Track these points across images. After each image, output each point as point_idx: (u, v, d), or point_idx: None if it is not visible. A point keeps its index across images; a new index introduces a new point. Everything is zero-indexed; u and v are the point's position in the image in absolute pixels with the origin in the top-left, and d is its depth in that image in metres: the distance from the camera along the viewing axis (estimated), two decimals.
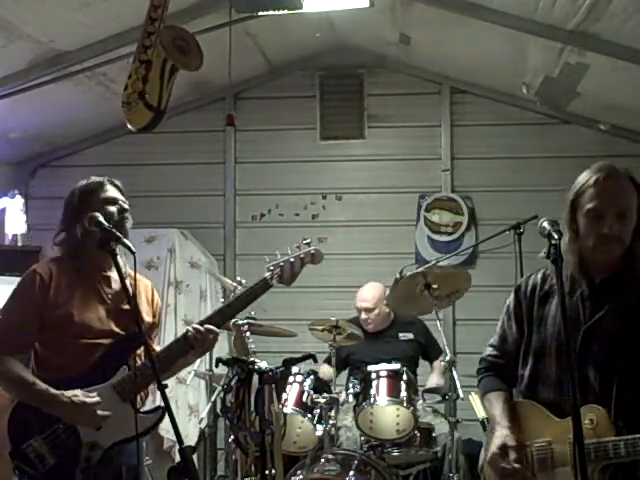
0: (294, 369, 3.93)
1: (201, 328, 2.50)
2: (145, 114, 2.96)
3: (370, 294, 4.71)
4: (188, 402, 5.24)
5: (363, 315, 4.69)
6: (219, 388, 3.82)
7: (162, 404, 2.50)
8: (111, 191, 2.62)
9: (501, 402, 2.28)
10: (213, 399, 4.00)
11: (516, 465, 2.08)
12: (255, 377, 3.15)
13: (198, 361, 4.40)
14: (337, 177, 5.83)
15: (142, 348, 2.55)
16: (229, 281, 4.61)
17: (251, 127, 5.84)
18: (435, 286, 4.16)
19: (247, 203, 5.88)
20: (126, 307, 2.55)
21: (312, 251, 2.71)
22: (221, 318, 2.58)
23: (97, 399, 2.37)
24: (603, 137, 5.44)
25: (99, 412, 2.37)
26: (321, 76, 5.83)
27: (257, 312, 4.26)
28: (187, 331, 2.50)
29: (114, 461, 2.45)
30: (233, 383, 3.23)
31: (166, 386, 2.08)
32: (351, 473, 3.45)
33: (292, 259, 2.66)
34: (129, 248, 2.26)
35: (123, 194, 2.67)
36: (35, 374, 2.47)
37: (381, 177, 5.78)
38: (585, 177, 2.16)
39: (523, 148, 5.50)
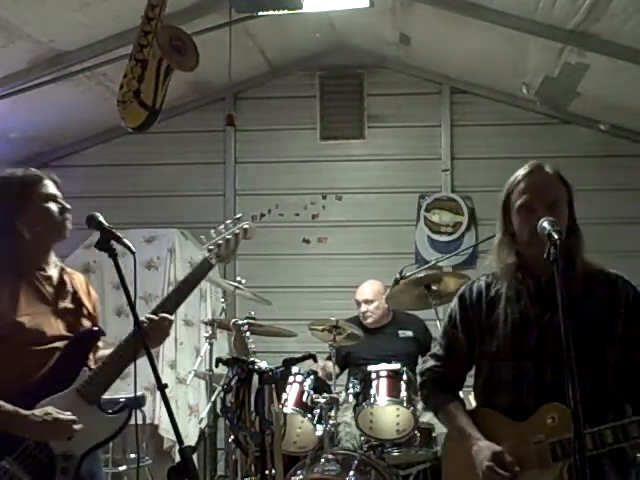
0: (294, 369, 3.93)
1: (155, 317, 2.42)
2: (140, 113, 2.95)
3: (369, 288, 4.75)
4: (188, 402, 5.24)
5: (363, 307, 4.70)
6: (219, 388, 3.81)
7: (130, 399, 2.48)
8: (51, 187, 2.46)
9: (462, 413, 2.26)
10: (213, 399, 3.99)
11: (517, 468, 2.06)
12: (255, 377, 3.15)
13: (198, 361, 4.42)
14: (337, 177, 5.83)
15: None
16: (227, 284, 4.61)
17: (251, 127, 5.84)
18: (435, 287, 4.17)
19: (247, 203, 5.88)
20: (69, 306, 2.47)
21: (245, 226, 2.68)
22: (171, 304, 2.51)
23: (73, 417, 2.26)
24: (603, 137, 5.43)
25: (74, 426, 2.27)
26: (321, 76, 5.83)
27: (257, 312, 4.28)
28: (142, 322, 2.38)
29: (83, 467, 2.36)
30: (233, 383, 3.23)
31: (166, 386, 2.06)
32: (351, 473, 3.44)
33: (228, 236, 2.65)
34: (129, 248, 2.24)
35: (62, 192, 2.51)
36: None
37: (381, 177, 5.78)
38: (513, 177, 2.20)
39: (523, 148, 5.49)
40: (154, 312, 2.45)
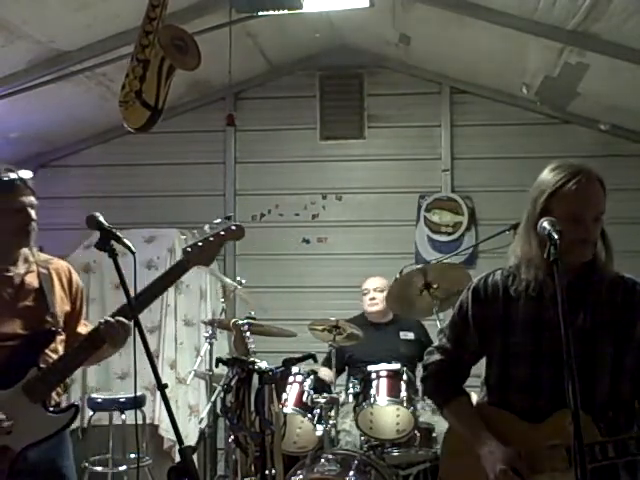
0: (294, 369, 3.93)
1: (112, 320, 2.39)
2: (142, 113, 2.95)
3: (378, 279, 4.79)
4: (188, 402, 5.24)
5: (371, 294, 4.72)
6: (219, 388, 3.82)
7: (75, 402, 2.50)
8: (18, 196, 2.44)
9: (470, 410, 2.24)
10: (213, 399, 4.00)
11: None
12: (255, 377, 3.15)
13: (198, 361, 4.42)
14: (337, 177, 5.83)
15: (56, 344, 2.49)
16: (229, 280, 4.61)
17: (251, 127, 5.84)
18: (435, 286, 4.17)
19: (247, 203, 5.88)
20: (30, 304, 2.48)
21: (232, 226, 2.51)
22: (134, 309, 2.44)
23: None
24: (603, 137, 5.44)
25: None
26: (321, 76, 5.83)
27: (257, 312, 4.28)
28: (99, 324, 2.41)
29: (31, 458, 2.39)
30: (233, 383, 3.24)
31: (166, 386, 2.06)
32: (351, 473, 3.44)
33: (211, 238, 2.47)
34: (129, 248, 2.24)
35: (34, 194, 2.48)
36: None
37: (381, 177, 5.78)
38: (559, 179, 2.07)
39: (523, 148, 5.50)
40: (113, 315, 2.41)
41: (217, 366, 3.68)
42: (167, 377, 5.02)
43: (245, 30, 4.76)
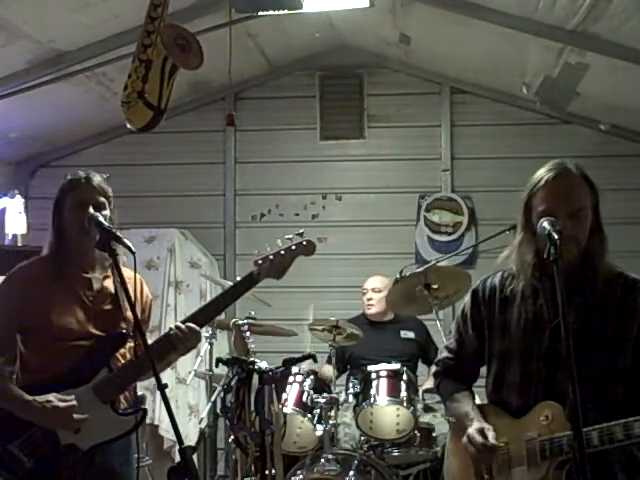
0: (294, 369, 3.93)
1: (183, 327, 2.44)
2: (145, 113, 2.96)
3: (379, 278, 4.81)
4: (188, 402, 5.24)
5: (369, 294, 4.74)
6: (219, 388, 3.82)
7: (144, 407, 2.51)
8: (87, 193, 2.49)
9: (470, 400, 2.30)
10: (213, 399, 4.00)
11: (495, 442, 2.07)
12: (255, 377, 3.15)
13: (198, 361, 4.43)
14: (337, 177, 5.83)
15: (124, 348, 2.51)
16: (228, 283, 4.61)
17: (251, 127, 5.84)
18: (435, 286, 4.16)
19: (247, 203, 5.88)
20: (108, 307, 2.51)
21: (304, 242, 2.54)
22: (204, 316, 2.51)
23: (72, 403, 2.32)
24: (603, 137, 5.44)
25: (75, 416, 2.31)
26: (321, 76, 5.83)
27: (257, 311, 4.28)
28: (170, 330, 2.45)
29: (97, 461, 2.41)
30: (233, 383, 3.23)
31: (166, 386, 2.07)
32: (351, 473, 3.45)
33: (282, 251, 2.50)
34: (129, 248, 2.25)
35: (105, 197, 2.51)
36: (19, 377, 2.44)
37: (381, 177, 5.78)
38: (537, 177, 2.13)
39: (523, 148, 5.49)
40: (184, 321, 2.47)
41: (217, 366, 3.67)
42: (167, 377, 5.02)
43: (245, 30, 4.76)
